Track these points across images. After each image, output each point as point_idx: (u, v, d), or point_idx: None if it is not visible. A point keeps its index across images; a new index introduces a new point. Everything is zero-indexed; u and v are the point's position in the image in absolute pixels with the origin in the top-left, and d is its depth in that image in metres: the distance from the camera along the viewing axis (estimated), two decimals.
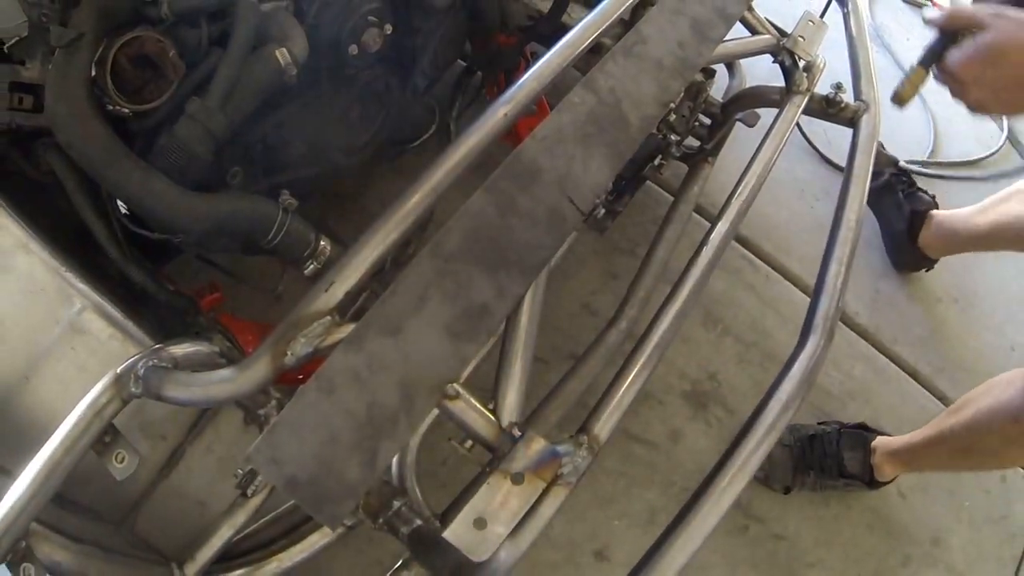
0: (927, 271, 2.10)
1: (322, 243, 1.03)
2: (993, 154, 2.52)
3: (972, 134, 2.56)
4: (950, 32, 1.07)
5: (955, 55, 1.03)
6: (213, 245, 1.11)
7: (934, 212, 2.00)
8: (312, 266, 1.02)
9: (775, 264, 1.96)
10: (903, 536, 1.72)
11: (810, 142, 2.26)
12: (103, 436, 0.69)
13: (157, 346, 0.72)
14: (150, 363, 0.69)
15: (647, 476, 1.59)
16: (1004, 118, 2.59)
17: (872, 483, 1.68)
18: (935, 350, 1.98)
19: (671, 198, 1.65)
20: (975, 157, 2.49)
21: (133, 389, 0.68)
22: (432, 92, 1.63)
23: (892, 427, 1.79)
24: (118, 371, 0.69)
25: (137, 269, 1.00)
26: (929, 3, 2.96)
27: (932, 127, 2.48)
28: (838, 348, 1.86)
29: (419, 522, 1.00)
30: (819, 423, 1.76)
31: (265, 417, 0.93)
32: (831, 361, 1.85)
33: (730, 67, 1.94)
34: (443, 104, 1.79)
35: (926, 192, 2.10)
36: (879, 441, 1.68)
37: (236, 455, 1.02)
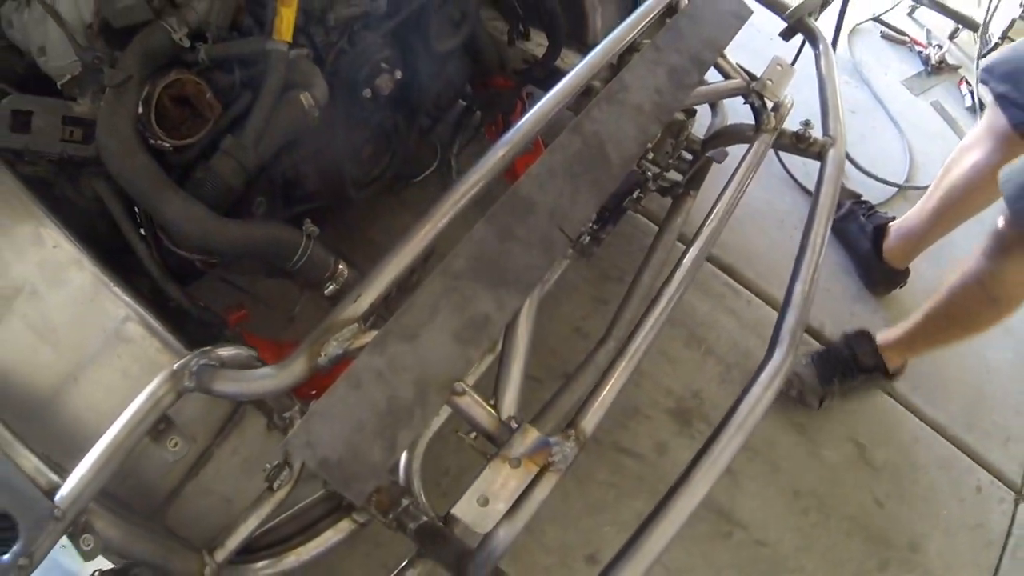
0: (901, 287, 2.21)
1: (340, 267, 1.15)
2: None
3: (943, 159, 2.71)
4: None
5: None
6: (240, 267, 1.23)
7: (892, 224, 2.16)
8: (332, 287, 1.13)
9: (756, 290, 2.08)
10: (881, 542, 1.81)
11: (791, 175, 2.40)
12: (158, 424, 0.80)
13: (206, 348, 0.83)
14: (201, 362, 0.80)
15: (635, 486, 1.69)
16: None
17: (887, 373, 1.92)
18: (910, 368, 2.08)
19: (656, 228, 1.78)
20: None
21: (187, 384, 0.79)
22: (434, 130, 1.76)
23: (870, 441, 1.91)
24: (174, 368, 0.80)
25: (174, 287, 1.11)
26: (908, 38, 3.13)
27: (908, 154, 2.62)
28: None
29: (425, 519, 1.10)
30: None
31: (289, 420, 1.04)
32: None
33: (713, 106, 2.08)
34: (444, 142, 1.92)
35: (886, 213, 2.25)
36: (880, 336, 1.92)
37: (259, 457, 1.12)
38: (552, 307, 1.92)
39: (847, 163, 2.51)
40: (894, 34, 3.16)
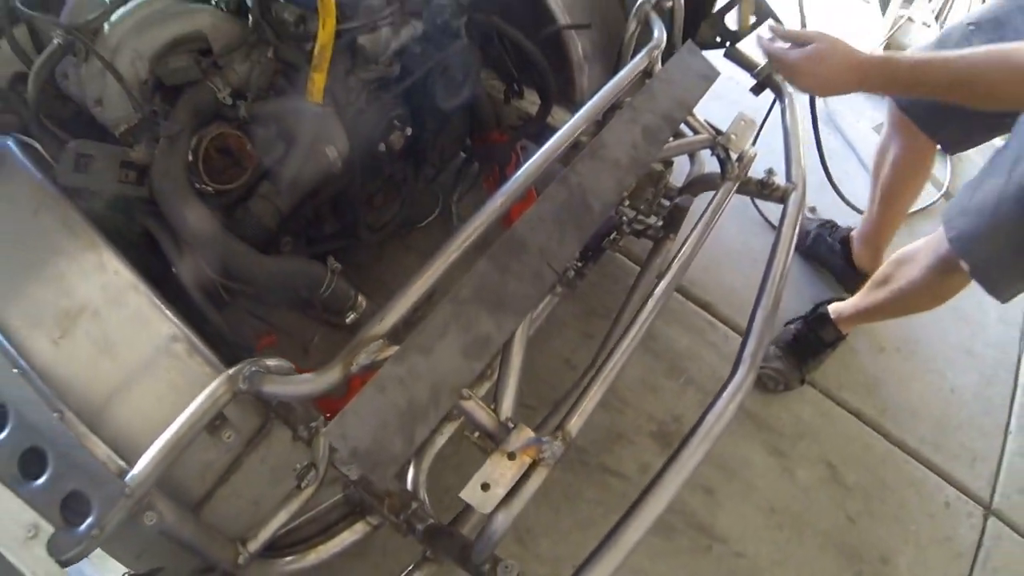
0: None
1: (360, 298, 1.32)
2: (931, 205, 2.88)
3: None
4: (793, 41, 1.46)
5: (795, 54, 1.42)
6: (270, 297, 1.39)
7: (852, 232, 2.40)
8: (352, 316, 1.30)
9: (732, 324, 2.25)
10: (854, 556, 1.93)
11: (765, 218, 2.58)
12: (215, 420, 0.95)
13: (255, 358, 0.99)
14: (253, 368, 0.96)
15: (621, 503, 1.78)
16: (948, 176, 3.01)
17: (843, 338, 2.20)
18: (878, 394, 2.23)
19: (638, 269, 1.95)
20: (914, 209, 2.81)
21: (241, 386, 0.94)
22: (438, 180, 1.94)
23: (841, 463, 2.05)
24: (230, 372, 0.95)
25: (215, 312, 1.27)
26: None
27: None
28: (788, 395, 2.14)
29: (431, 520, 1.25)
30: (786, 324, 2.22)
31: (315, 430, 1.19)
32: (782, 405, 2.13)
33: (691, 157, 2.27)
34: (446, 190, 2.10)
35: (848, 227, 2.49)
36: (833, 308, 2.16)
37: (285, 466, 1.26)
38: (544, 341, 2.08)
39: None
40: None
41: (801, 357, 2.14)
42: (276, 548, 1.22)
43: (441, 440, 1.50)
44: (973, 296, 2.51)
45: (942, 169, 3.03)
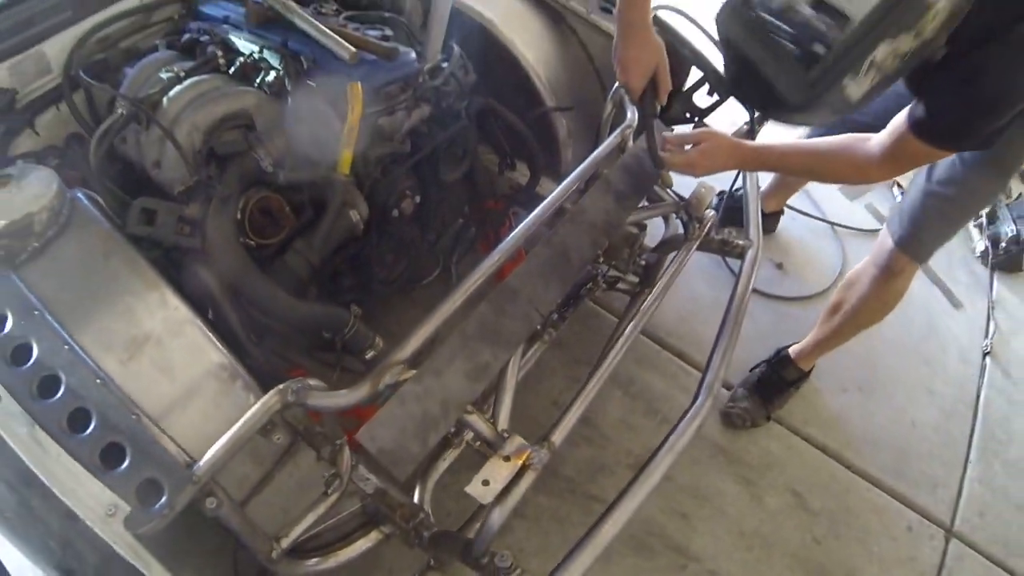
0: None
1: (377, 339, 1.54)
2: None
3: None
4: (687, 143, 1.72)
5: (692, 153, 1.68)
6: (297, 338, 1.62)
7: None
8: (372, 353, 1.52)
9: (703, 370, 2.47)
10: (820, 574, 2.10)
11: (734, 274, 2.82)
12: (267, 424, 1.17)
13: (300, 378, 1.21)
14: (298, 385, 1.18)
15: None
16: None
17: (807, 376, 2.41)
18: (841, 429, 2.41)
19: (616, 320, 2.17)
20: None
21: (289, 398, 1.16)
22: (439, 243, 2.16)
23: (807, 490, 2.24)
24: (280, 387, 1.16)
25: (254, 346, 1.48)
26: None
27: (841, 252, 3.04)
28: (756, 431, 2.36)
29: (436, 529, 1.45)
30: (751, 369, 2.43)
31: (339, 447, 1.40)
32: (751, 440, 2.33)
33: (665, 219, 2.54)
34: (446, 253, 2.29)
35: None
36: (793, 349, 2.37)
37: (310, 480, 1.45)
38: (534, 384, 2.29)
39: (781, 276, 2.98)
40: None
41: (766, 397, 2.36)
42: (303, 551, 1.42)
43: (443, 465, 1.70)
44: (934, 339, 2.81)
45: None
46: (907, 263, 1.97)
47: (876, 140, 1.54)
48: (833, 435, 2.42)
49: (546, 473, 2.03)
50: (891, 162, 1.51)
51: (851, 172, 1.62)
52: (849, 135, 1.61)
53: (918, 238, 1.91)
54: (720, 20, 1.32)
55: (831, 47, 1.16)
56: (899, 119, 1.47)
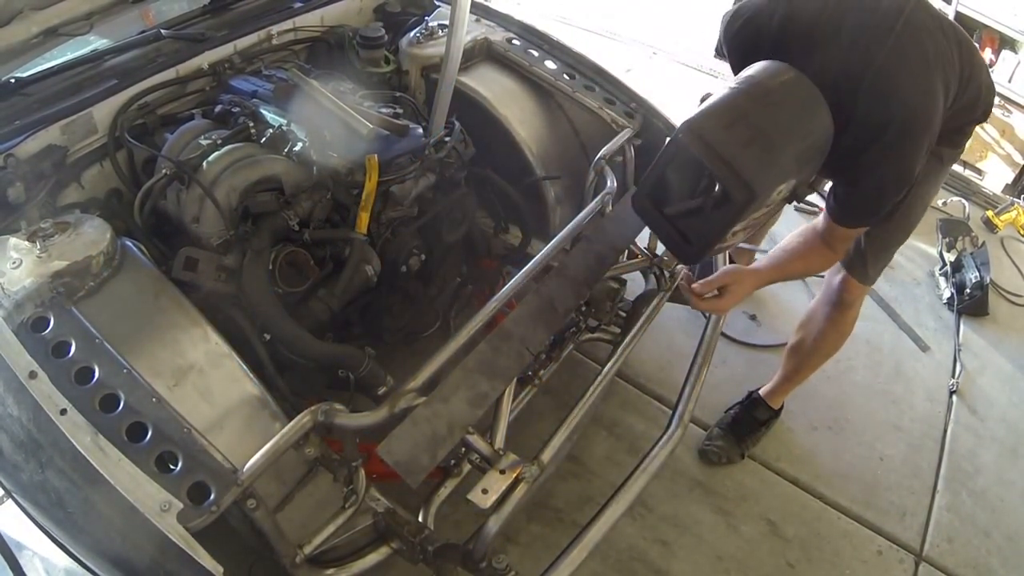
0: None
1: (388, 378, 1.75)
2: None
3: None
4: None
5: (725, 297, 1.89)
6: (319, 375, 1.83)
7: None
8: (383, 389, 1.73)
9: None
10: None
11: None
12: (299, 441, 1.38)
13: (327, 402, 1.42)
14: (325, 407, 1.40)
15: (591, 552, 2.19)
16: None
17: (778, 414, 2.60)
18: (812, 463, 2.54)
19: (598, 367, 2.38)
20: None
21: (320, 418, 1.37)
22: (439, 298, 2.34)
23: (780, 519, 2.40)
24: (311, 408, 1.37)
25: (280, 380, 1.69)
26: (818, 208, 3.84)
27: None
28: (731, 467, 2.53)
29: (439, 543, 1.64)
30: (726, 411, 2.60)
31: (355, 468, 1.60)
32: (726, 475, 2.50)
33: (644, 274, 2.77)
34: (445, 307, 2.45)
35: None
36: (763, 390, 2.57)
37: (327, 500, 1.60)
38: (525, 426, 2.48)
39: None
40: (806, 206, 3.63)
41: (740, 435, 2.54)
42: (320, 562, 1.59)
43: (445, 492, 1.90)
44: (902, 380, 3.01)
45: None
46: (856, 290, 2.17)
47: (820, 231, 1.85)
48: (805, 469, 2.56)
49: (537, 504, 2.26)
50: (832, 245, 1.84)
51: (823, 263, 1.99)
52: (803, 230, 1.95)
53: (864, 271, 2.14)
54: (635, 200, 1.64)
55: (693, 243, 1.54)
56: (824, 212, 1.80)
